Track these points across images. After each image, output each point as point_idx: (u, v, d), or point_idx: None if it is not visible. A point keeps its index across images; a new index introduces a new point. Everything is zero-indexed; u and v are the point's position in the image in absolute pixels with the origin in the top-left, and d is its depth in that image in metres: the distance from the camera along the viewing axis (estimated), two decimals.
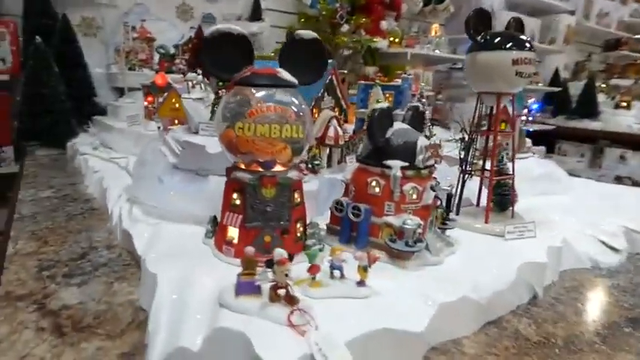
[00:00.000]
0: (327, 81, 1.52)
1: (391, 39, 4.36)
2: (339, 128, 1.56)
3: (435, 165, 1.22)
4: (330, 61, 1.56)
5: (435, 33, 4.65)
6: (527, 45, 1.30)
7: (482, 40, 1.32)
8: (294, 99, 1.07)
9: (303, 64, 1.10)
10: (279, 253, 0.84)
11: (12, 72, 2.92)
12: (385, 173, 1.14)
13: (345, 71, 1.69)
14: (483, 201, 1.53)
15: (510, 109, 1.97)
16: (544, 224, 1.44)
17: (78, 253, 1.33)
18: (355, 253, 1.00)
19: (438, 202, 1.22)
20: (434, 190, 1.16)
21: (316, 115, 1.52)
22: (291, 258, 0.85)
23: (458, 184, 1.47)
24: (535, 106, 2.26)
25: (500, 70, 1.30)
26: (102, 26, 3.34)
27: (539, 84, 5.51)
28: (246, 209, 1.06)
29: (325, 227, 1.25)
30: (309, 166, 1.49)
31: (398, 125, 1.20)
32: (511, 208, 1.49)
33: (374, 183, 1.16)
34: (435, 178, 1.24)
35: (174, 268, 1.01)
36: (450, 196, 1.28)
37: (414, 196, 1.14)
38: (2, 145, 2.90)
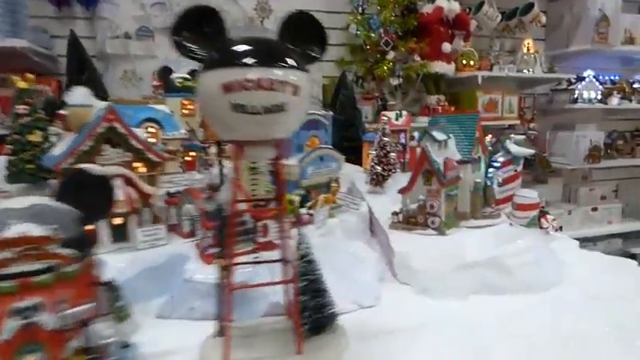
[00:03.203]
0: (102, 129, 1.13)
1: (464, 62, 3.62)
2: (130, 188, 1.17)
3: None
4: (103, 104, 1.21)
5: (528, 50, 3.68)
6: (265, 58, 0.72)
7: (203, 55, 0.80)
8: None
9: None
10: None
11: None
12: None
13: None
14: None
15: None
16: None
17: None
18: None
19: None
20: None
21: None
22: None
23: None
24: (512, 148, 1.36)
25: (209, 102, 0.75)
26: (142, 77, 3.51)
27: None
28: None
29: None
30: None
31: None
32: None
33: None
34: None
35: None
36: (85, 324, 0.75)
37: None
38: None
